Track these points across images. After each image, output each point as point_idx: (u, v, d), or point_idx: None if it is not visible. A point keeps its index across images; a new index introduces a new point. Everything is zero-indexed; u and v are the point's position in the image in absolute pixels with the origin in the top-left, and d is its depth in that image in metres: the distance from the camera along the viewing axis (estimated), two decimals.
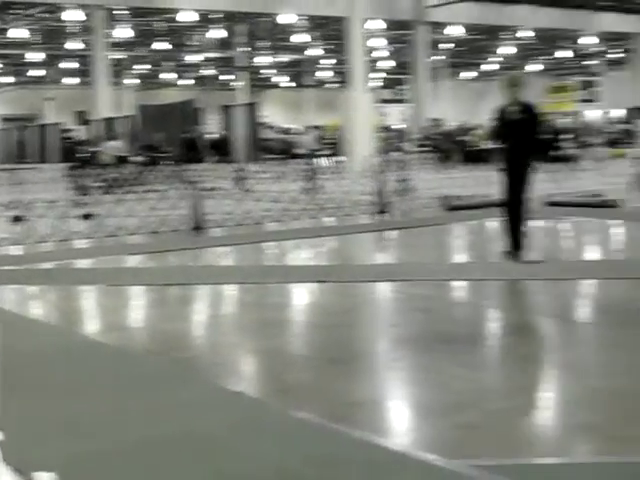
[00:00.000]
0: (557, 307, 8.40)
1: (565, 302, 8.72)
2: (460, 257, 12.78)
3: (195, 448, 4.45)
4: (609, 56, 54.29)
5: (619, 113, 50.67)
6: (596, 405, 5.22)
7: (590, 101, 47.19)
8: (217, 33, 43.69)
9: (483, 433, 4.77)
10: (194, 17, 37.68)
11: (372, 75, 39.68)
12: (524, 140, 10.31)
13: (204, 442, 4.54)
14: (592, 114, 48.19)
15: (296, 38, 46.17)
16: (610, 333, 7.13)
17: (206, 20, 40.64)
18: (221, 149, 34.29)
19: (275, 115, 61.00)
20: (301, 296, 9.55)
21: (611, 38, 49.20)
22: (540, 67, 64.22)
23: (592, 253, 12.78)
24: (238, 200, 20.50)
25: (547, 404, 5.45)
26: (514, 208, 10.40)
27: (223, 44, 47.59)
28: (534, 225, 13.23)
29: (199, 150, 31.63)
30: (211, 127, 39.60)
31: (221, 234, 14.87)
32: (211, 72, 59.29)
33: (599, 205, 16.79)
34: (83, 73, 47.74)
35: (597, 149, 37.42)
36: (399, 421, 5.27)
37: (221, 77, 60.79)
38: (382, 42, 46.29)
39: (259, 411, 5.22)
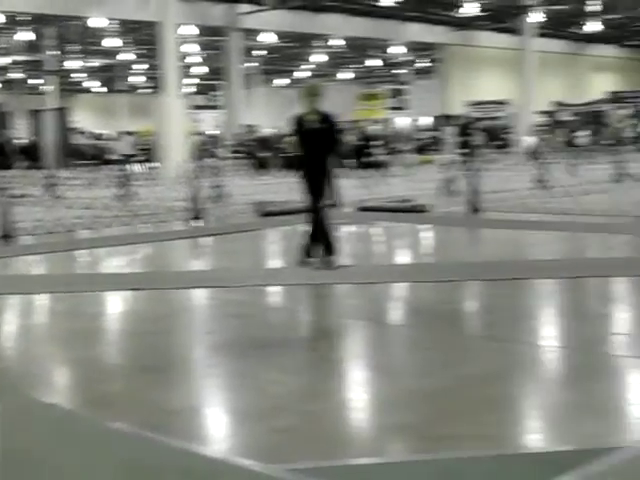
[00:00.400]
0: (370, 310, 8.55)
1: (377, 305, 8.89)
2: (273, 262, 12.86)
3: (6, 462, 4.30)
4: (417, 65, 55.82)
5: (427, 121, 52.17)
6: (411, 405, 5.33)
7: (399, 109, 48.33)
8: (25, 35, 42.50)
9: (299, 436, 4.81)
10: (0, 19, 36.53)
11: (185, 81, 39.48)
12: (323, 149, 10.40)
13: (15, 455, 4.40)
14: (401, 121, 49.42)
15: (107, 42, 45.48)
16: (422, 335, 7.31)
17: (13, 22, 39.46)
18: (30, 155, 33.52)
19: (86, 120, 60.02)
20: (115, 304, 9.40)
21: (418, 48, 50.66)
22: (351, 75, 65.59)
23: (403, 257, 13.09)
24: (49, 207, 20.03)
25: (362, 405, 5.53)
26: (317, 215, 10.49)
27: (32, 47, 46.34)
28: (345, 230, 13.49)
29: (7, 156, 30.78)
30: (20, 132, 38.61)
31: (31, 242, 14.46)
32: (19, 75, 57.63)
33: (409, 210, 17.19)
34: None
35: (406, 155, 38.49)
36: (216, 427, 5.25)
37: (30, 81, 59.16)
38: (195, 48, 46.17)
39: (72, 422, 5.10)
